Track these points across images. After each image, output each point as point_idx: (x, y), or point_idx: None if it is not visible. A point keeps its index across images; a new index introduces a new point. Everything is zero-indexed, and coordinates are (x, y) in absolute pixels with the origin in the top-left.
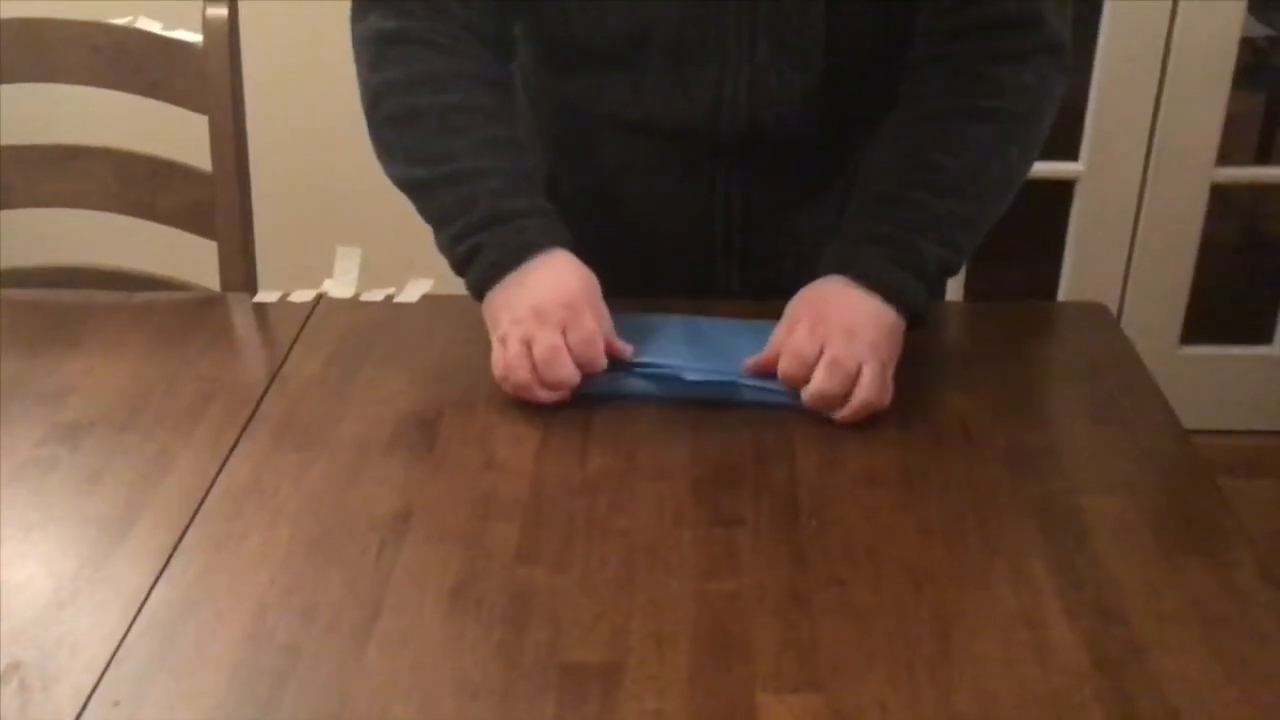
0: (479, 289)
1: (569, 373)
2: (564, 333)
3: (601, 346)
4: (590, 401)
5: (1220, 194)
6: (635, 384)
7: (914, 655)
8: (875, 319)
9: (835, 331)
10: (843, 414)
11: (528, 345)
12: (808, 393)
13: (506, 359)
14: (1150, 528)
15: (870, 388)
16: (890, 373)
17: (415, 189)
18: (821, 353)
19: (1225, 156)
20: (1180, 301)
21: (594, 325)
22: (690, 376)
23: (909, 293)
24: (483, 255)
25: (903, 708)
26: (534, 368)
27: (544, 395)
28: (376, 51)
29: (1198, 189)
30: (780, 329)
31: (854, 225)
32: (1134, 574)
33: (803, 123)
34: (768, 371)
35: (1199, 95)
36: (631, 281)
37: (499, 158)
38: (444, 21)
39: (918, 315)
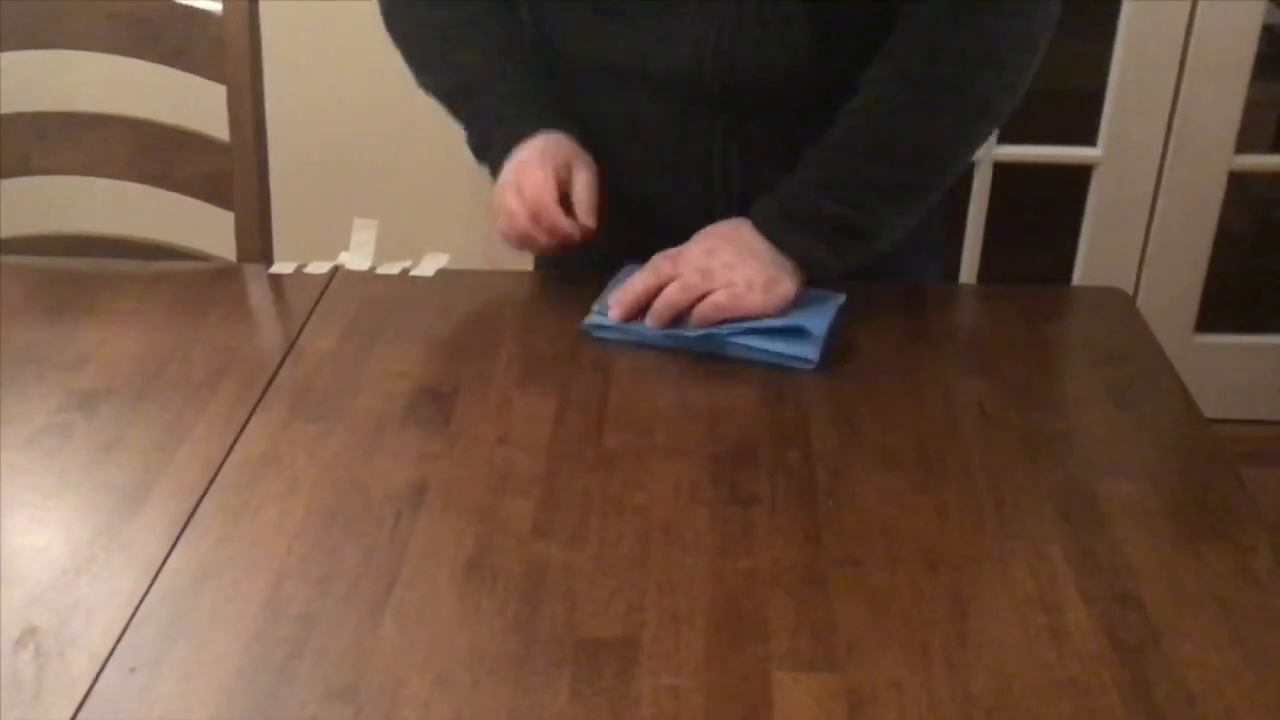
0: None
1: (551, 214)
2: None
3: (546, 195)
4: (607, 376)
5: (1238, 182)
6: (644, 334)
7: (929, 637)
8: (763, 258)
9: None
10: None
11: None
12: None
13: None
14: (1168, 513)
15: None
16: (754, 286)
17: (438, 98)
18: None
19: (1244, 145)
20: (1195, 289)
21: (540, 175)
22: (689, 332)
23: (793, 246)
24: (491, 153)
25: (918, 689)
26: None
27: (546, 241)
28: None
29: (1215, 177)
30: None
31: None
32: (1152, 559)
33: (787, 77)
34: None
35: (1219, 83)
36: (632, 246)
37: (504, 64)
38: None
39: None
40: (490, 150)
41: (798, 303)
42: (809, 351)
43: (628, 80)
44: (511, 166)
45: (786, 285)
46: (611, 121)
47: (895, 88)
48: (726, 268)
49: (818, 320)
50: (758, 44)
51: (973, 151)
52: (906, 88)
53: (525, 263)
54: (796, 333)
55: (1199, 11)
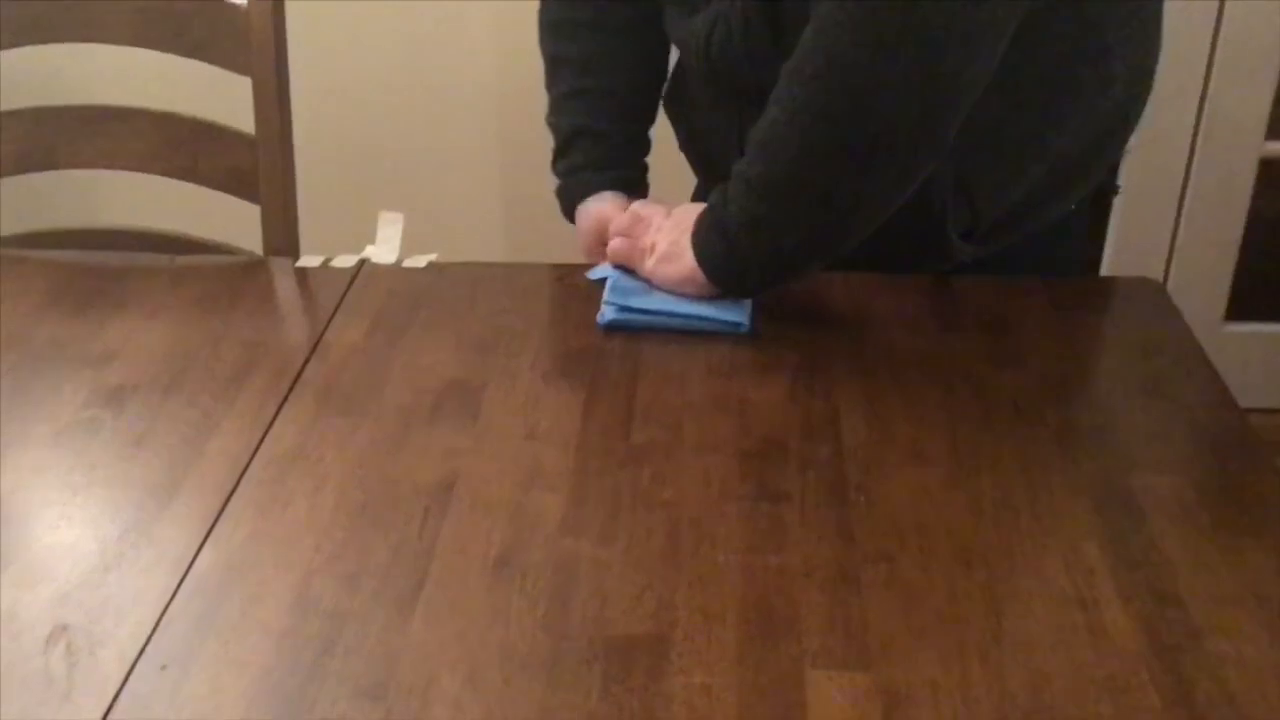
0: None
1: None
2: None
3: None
4: (635, 370)
5: (1268, 169)
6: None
7: (964, 635)
8: (685, 237)
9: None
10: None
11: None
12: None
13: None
14: (1205, 508)
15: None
16: (654, 252)
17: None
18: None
19: (1274, 131)
20: (1226, 277)
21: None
22: (647, 305)
23: (701, 244)
24: (560, 199)
25: (953, 687)
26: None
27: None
28: None
29: (1246, 163)
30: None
31: None
32: (1189, 555)
33: (754, 70)
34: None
35: (1250, 68)
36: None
37: (575, 112)
38: None
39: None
40: (563, 189)
41: (711, 299)
42: (740, 316)
43: (685, 54)
44: (589, 233)
45: (680, 266)
46: (685, 82)
47: (781, 84)
48: (656, 230)
49: (734, 307)
50: (726, 37)
51: (857, 164)
52: (786, 83)
53: (550, 255)
54: (723, 309)
55: None
